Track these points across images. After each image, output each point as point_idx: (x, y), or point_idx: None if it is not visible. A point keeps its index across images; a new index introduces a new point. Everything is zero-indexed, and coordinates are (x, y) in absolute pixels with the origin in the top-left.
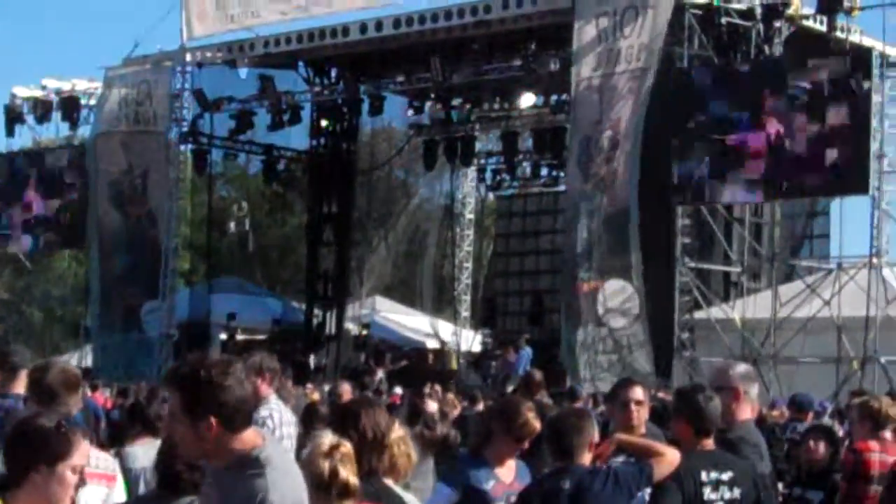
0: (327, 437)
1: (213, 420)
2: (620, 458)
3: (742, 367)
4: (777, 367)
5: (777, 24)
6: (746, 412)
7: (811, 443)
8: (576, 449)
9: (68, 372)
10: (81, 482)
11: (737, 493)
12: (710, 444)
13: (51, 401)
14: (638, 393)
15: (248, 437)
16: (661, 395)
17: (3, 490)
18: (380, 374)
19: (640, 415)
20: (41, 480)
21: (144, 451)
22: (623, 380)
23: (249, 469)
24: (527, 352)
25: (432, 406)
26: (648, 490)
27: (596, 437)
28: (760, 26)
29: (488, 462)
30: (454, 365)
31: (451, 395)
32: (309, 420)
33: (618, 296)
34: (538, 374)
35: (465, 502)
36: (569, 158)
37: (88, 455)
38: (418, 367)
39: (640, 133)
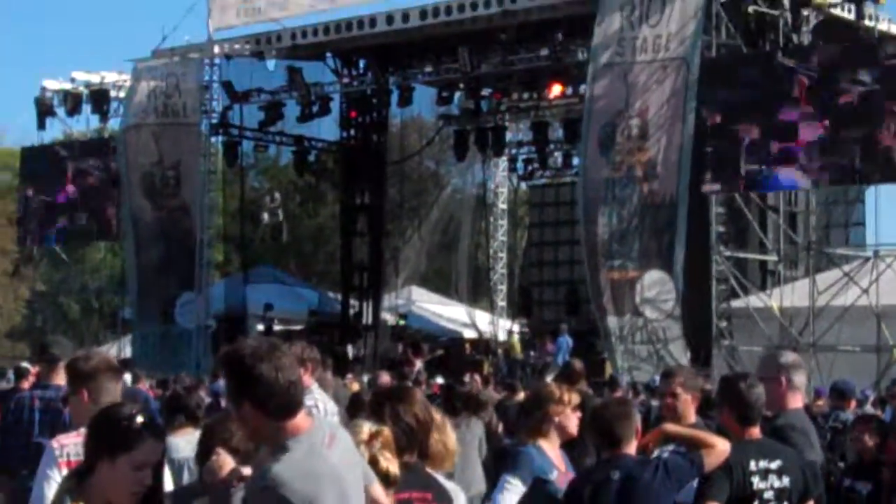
0: (366, 425)
1: (247, 405)
2: (669, 448)
3: (790, 356)
4: (816, 356)
5: (805, 12)
6: (797, 400)
7: (859, 433)
8: (623, 438)
9: (106, 361)
10: (154, 476)
11: (786, 481)
12: (756, 432)
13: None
14: (682, 382)
15: (295, 425)
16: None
17: (81, 477)
18: (418, 364)
19: (686, 405)
20: (105, 471)
21: (186, 442)
22: (668, 369)
23: (274, 454)
24: (566, 340)
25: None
26: (696, 480)
27: (639, 426)
28: (788, 15)
29: (545, 452)
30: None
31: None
32: (354, 410)
33: (655, 287)
34: (578, 364)
35: (532, 494)
36: (586, 146)
37: (158, 451)
38: (456, 357)
39: (688, 125)
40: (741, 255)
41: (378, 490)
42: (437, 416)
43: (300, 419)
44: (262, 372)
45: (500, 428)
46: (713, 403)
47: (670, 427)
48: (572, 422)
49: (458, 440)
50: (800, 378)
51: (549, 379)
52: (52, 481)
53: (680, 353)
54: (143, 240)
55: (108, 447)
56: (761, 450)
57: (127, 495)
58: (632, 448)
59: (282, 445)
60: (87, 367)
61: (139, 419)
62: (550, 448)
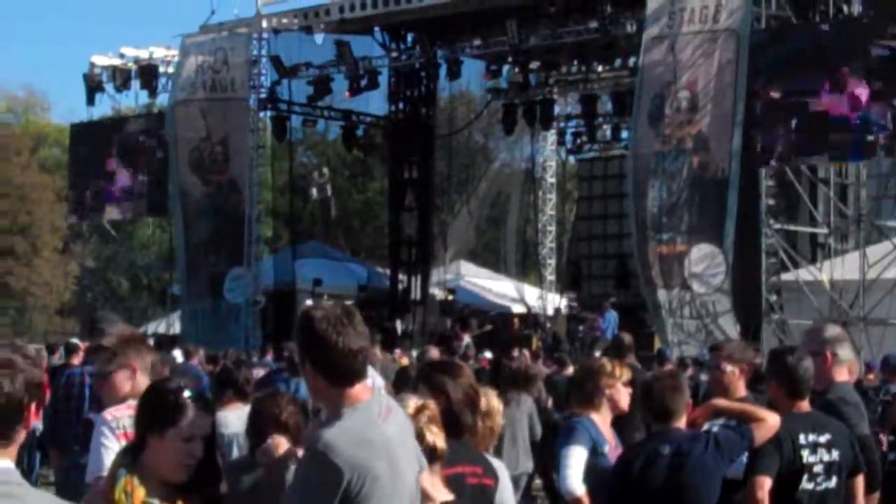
0: (412, 400)
1: (307, 364)
2: (719, 422)
3: (834, 329)
4: (867, 329)
5: None
6: (843, 374)
7: None
8: (674, 411)
9: (137, 333)
10: (205, 449)
11: (835, 454)
12: (805, 406)
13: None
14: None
15: (353, 394)
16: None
17: (134, 452)
18: (466, 338)
19: (734, 378)
20: (155, 445)
21: (236, 417)
22: (716, 343)
23: (328, 420)
24: (612, 315)
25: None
26: (746, 454)
27: (689, 400)
28: None
29: (598, 425)
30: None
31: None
32: (402, 384)
33: (704, 261)
34: (628, 338)
35: (590, 463)
36: (637, 119)
37: (206, 424)
38: (504, 331)
39: (739, 97)
40: (791, 227)
41: (427, 480)
42: (487, 393)
43: (359, 389)
44: (323, 335)
45: (550, 403)
46: (763, 377)
47: (720, 402)
48: (623, 396)
49: (506, 418)
50: (845, 351)
51: (597, 353)
52: (111, 451)
53: (729, 327)
54: (192, 215)
55: (157, 421)
56: (811, 423)
57: (177, 468)
58: (682, 422)
59: (337, 413)
60: (127, 337)
61: (186, 393)
62: (602, 422)
